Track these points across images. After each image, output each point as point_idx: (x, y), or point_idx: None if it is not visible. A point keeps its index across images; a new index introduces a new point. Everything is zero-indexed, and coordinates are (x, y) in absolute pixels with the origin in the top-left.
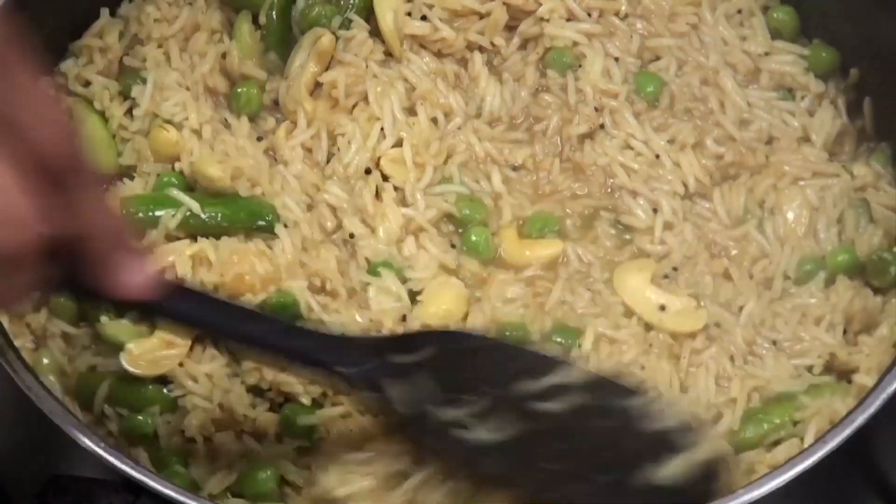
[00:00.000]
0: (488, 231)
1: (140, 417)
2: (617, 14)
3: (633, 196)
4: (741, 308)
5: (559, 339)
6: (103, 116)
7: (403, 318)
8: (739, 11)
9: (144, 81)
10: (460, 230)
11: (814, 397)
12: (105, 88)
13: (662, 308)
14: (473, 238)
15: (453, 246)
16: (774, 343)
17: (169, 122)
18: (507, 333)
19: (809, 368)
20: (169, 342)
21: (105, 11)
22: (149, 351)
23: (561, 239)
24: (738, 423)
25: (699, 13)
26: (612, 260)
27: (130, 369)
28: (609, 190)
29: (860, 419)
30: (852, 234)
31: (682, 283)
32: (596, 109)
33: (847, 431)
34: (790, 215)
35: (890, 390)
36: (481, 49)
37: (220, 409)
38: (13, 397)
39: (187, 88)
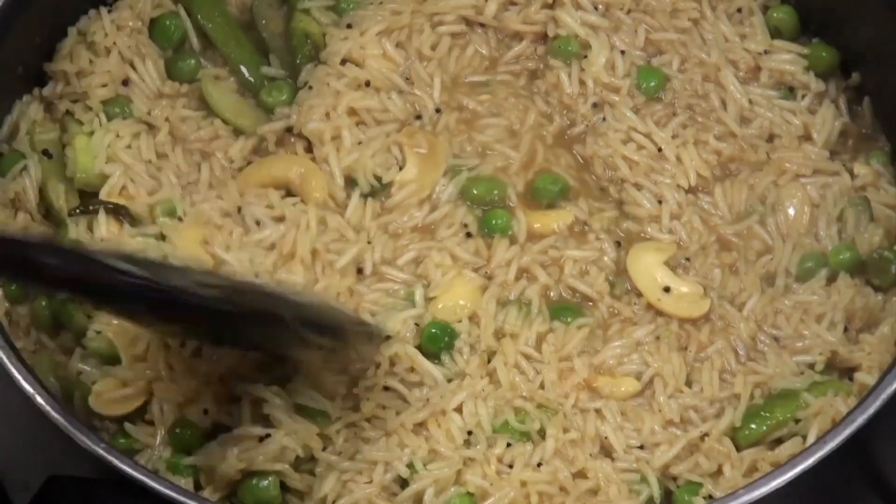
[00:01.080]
0: (507, 214)
1: (123, 440)
2: (622, 8)
3: (637, 188)
4: (744, 304)
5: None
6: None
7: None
8: (739, 10)
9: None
10: (476, 209)
11: (816, 395)
12: (89, 111)
13: (666, 290)
14: (494, 221)
15: (469, 235)
16: (777, 340)
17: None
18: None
19: (811, 366)
20: (123, 382)
21: (73, 31)
22: (109, 390)
23: (569, 204)
24: (740, 419)
25: (700, 10)
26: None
27: (99, 411)
28: (610, 180)
29: (860, 419)
30: (853, 233)
31: (692, 272)
32: (595, 105)
33: (847, 431)
34: (791, 211)
35: (890, 390)
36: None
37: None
38: (14, 398)
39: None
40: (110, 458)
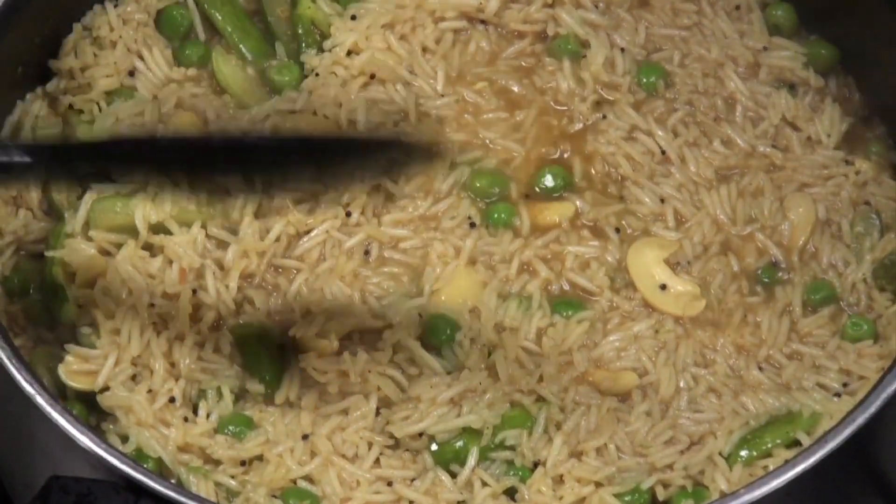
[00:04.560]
0: (510, 207)
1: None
2: (622, 6)
3: (638, 186)
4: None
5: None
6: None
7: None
8: (738, 8)
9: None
10: (479, 202)
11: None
12: (92, 101)
13: (663, 287)
14: (496, 215)
15: (472, 225)
16: (777, 369)
17: None
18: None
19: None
20: (84, 357)
21: (78, 27)
22: (78, 362)
23: (572, 198)
24: (728, 448)
25: (700, 7)
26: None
27: (70, 383)
28: (611, 177)
29: (861, 419)
30: (864, 241)
31: (692, 272)
32: (595, 103)
33: (848, 431)
34: (795, 219)
35: (890, 390)
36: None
37: None
38: (14, 398)
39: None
40: (111, 458)
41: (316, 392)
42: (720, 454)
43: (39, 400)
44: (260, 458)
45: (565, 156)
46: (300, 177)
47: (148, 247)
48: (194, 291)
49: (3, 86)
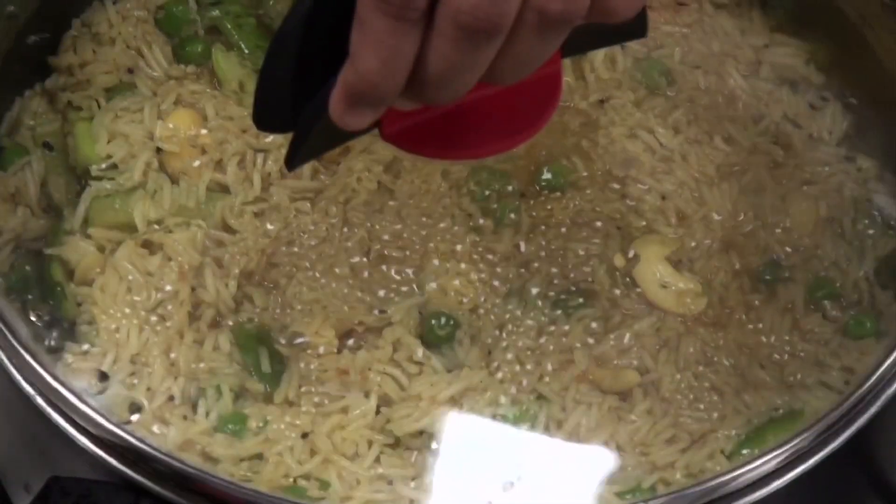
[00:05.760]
0: (510, 204)
1: None
2: None
3: (640, 184)
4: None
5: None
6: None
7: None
8: (739, 5)
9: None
10: (479, 198)
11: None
12: (90, 98)
13: (664, 285)
14: (496, 213)
15: (472, 223)
16: (779, 367)
17: None
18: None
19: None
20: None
21: (77, 23)
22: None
23: (573, 195)
24: (730, 447)
25: (701, 4)
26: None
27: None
28: (612, 175)
29: (861, 419)
30: (866, 238)
31: (693, 270)
32: (598, 101)
33: (848, 431)
34: (797, 216)
35: (890, 390)
36: None
37: None
38: (14, 398)
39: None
40: (111, 459)
41: (315, 390)
42: (722, 453)
43: (39, 400)
44: (259, 456)
45: (566, 153)
46: None
47: (147, 244)
48: (193, 289)
49: (1, 82)
